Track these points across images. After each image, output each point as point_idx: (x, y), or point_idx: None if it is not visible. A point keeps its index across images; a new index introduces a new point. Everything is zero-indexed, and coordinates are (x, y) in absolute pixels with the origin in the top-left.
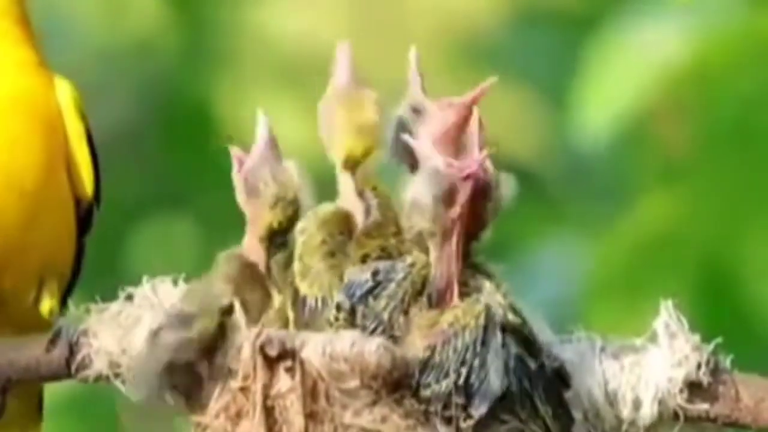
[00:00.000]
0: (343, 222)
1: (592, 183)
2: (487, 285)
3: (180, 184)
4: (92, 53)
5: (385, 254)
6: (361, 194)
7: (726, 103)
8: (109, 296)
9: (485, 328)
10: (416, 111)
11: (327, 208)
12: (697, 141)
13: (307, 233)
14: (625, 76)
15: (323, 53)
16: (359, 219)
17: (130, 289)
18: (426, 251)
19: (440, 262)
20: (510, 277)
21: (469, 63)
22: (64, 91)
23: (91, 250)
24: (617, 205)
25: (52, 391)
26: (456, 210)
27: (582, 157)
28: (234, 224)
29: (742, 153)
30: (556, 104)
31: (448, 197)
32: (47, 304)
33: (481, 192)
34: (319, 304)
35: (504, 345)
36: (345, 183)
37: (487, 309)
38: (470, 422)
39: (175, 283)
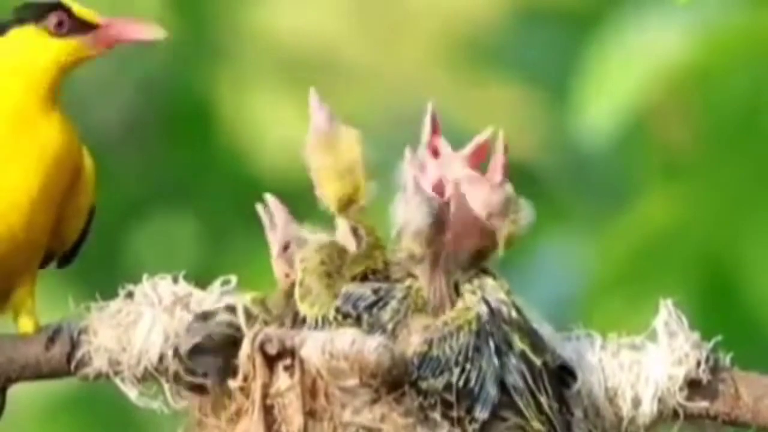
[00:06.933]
0: (339, 250)
1: (593, 181)
2: (491, 283)
3: (180, 181)
4: None
5: (374, 275)
6: (355, 231)
7: (727, 102)
8: (109, 293)
9: (477, 334)
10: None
11: (323, 237)
12: (698, 139)
13: (306, 259)
14: (627, 74)
15: (324, 51)
16: (351, 250)
17: (130, 287)
18: (413, 276)
19: (431, 284)
20: (511, 275)
21: (471, 61)
22: (90, 165)
23: (92, 248)
24: (618, 203)
25: (51, 391)
26: (447, 235)
27: (583, 155)
28: (234, 222)
29: (743, 151)
30: (558, 103)
31: (439, 223)
32: (28, 324)
33: (499, 210)
34: (320, 322)
35: (498, 350)
36: (340, 222)
37: (479, 316)
38: (475, 425)
39: (175, 280)
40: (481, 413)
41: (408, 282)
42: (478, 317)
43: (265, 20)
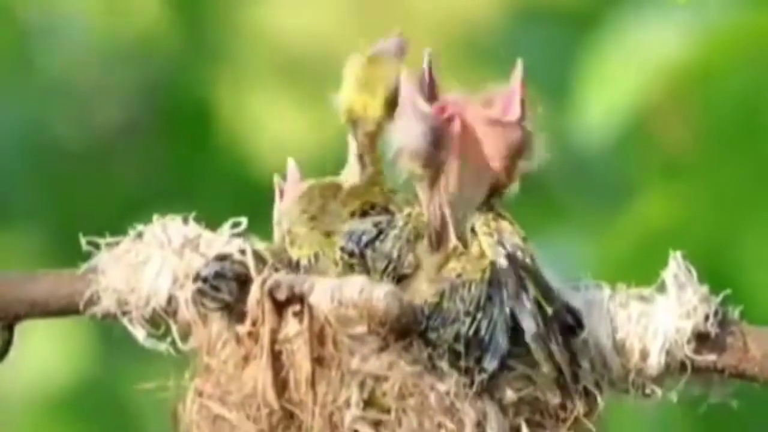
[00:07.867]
0: (325, 189)
1: (592, 181)
2: (508, 228)
3: (180, 182)
4: (92, 52)
5: (372, 209)
6: (360, 158)
7: (726, 102)
8: None
9: (491, 282)
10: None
11: (304, 185)
12: (698, 139)
13: (289, 211)
14: (626, 74)
15: (323, 51)
16: (352, 181)
17: (139, 227)
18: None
19: (431, 202)
20: None
21: (469, 62)
22: None
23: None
24: (618, 203)
25: (51, 391)
26: (446, 152)
27: (582, 155)
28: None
29: (743, 151)
30: (556, 103)
31: (438, 140)
32: None
33: (518, 148)
34: (312, 260)
35: (510, 296)
36: (350, 143)
37: (494, 264)
38: (484, 375)
39: (185, 221)
40: (491, 364)
41: (408, 209)
42: (493, 265)
43: (265, 20)
